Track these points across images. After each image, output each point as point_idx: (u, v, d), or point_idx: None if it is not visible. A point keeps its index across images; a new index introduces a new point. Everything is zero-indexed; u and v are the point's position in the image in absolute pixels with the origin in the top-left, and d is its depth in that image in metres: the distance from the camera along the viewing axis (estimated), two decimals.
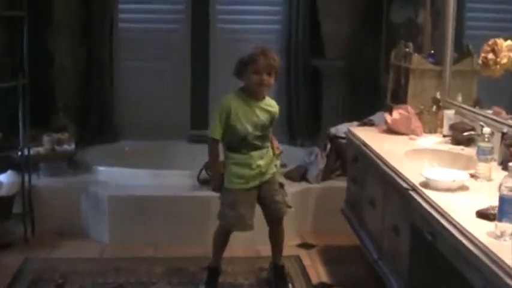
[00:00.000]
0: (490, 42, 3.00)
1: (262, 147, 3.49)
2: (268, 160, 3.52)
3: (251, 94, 3.46)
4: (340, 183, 4.35)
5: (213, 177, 3.65)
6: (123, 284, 3.66)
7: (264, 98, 3.50)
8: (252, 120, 3.43)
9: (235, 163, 3.47)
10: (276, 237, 3.70)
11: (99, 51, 5.35)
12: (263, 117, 3.46)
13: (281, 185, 3.62)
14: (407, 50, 4.21)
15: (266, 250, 3.79)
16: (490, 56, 2.95)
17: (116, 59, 5.48)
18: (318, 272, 3.92)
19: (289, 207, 3.64)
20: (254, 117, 3.43)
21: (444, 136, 3.67)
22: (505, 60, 2.97)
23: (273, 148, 3.59)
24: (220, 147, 3.54)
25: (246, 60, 3.41)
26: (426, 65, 4.10)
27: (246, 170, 3.46)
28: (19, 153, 4.30)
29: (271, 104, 3.54)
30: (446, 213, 2.36)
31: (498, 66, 2.95)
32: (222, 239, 3.62)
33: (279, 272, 3.69)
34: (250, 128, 3.42)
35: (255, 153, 3.46)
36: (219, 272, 3.66)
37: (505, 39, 3.11)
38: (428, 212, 2.48)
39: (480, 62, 3.05)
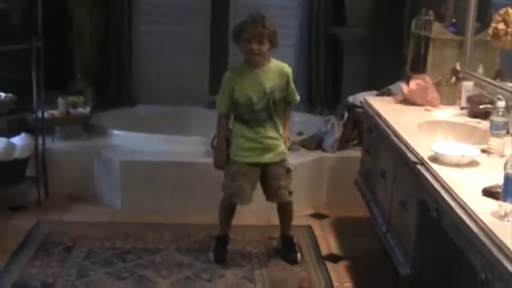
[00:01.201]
0: (502, 11, 2.86)
1: (271, 120, 3.42)
2: (277, 137, 3.46)
3: (250, 64, 3.41)
4: (357, 153, 4.27)
5: (218, 153, 3.57)
6: (130, 249, 3.66)
7: (268, 62, 3.42)
8: (257, 89, 3.37)
9: (241, 135, 3.43)
10: (283, 215, 3.67)
11: (118, 15, 5.31)
12: (270, 83, 3.39)
13: (288, 170, 3.55)
14: (428, 18, 4.07)
15: (276, 218, 3.75)
16: (501, 26, 2.82)
17: (134, 22, 5.43)
18: (329, 244, 3.88)
19: (291, 193, 3.56)
20: (259, 86, 3.37)
21: (461, 108, 3.56)
22: None
23: (284, 138, 3.54)
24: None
25: (237, 29, 3.37)
26: (447, 35, 3.98)
27: (251, 143, 3.42)
28: (33, 115, 4.29)
29: (277, 68, 3.45)
30: (451, 189, 2.29)
31: (509, 37, 2.81)
32: (226, 211, 3.60)
33: (287, 243, 3.66)
34: (255, 97, 3.36)
35: (262, 127, 3.41)
36: (228, 239, 3.64)
37: None
38: (434, 188, 2.41)
39: (490, 32, 2.92)
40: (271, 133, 3.45)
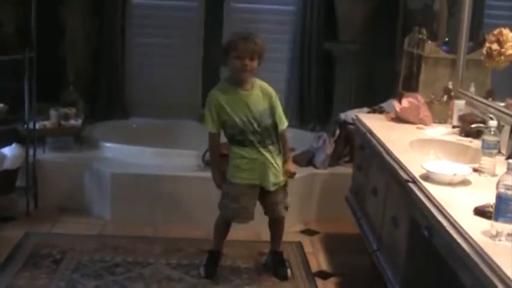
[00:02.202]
0: (496, 32, 2.89)
1: (265, 145, 3.40)
2: (272, 168, 3.42)
3: (237, 82, 3.39)
4: (348, 170, 4.26)
5: (213, 172, 3.55)
6: (120, 263, 3.64)
7: (252, 87, 3.40)
8: (244, 110, 3.36)
9: (239, 156, 3.42)
10: (275, 230, 3.67)
11: (111, 27, 5.31)
12: (257, 107, 3.37)
13: (285, 185, 3.54)
14: (420, 36, 4.09)
15: (267, 234, 3.74)
16: (495, 46, 2.84)
17: (127, 34, 5.43)
18: (319, 260, 3.87)
19: (287, 208, 3.56)
20: (246, 107, 3.36)
21: (453, 127, 3.58)
22: (510, 52, 2.85)
23: (284, 168, 3.51)
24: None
25: (227, 46, 3.36)
26: (439, 53, 3.99)
27: (250, 164, 3.40)
28: (25, 126, 4.28)
29: (263, 92, 3.42)
30: (443, 208, 2.29)
31: (502, 58, 2.83)
32: (223, 228, 3.59)
33: (277, 258, 3.65)
34: (244, 118, 3.35)
35: (256, 150, 3.39)
36: (220, 255, 3.63)
37: None
38: (426, 206, 2.41)
39: (484, 52, 2.93)
40: (266, 158, 3.41)
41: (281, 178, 3.49)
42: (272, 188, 3.45)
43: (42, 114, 4.55)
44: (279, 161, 3.48)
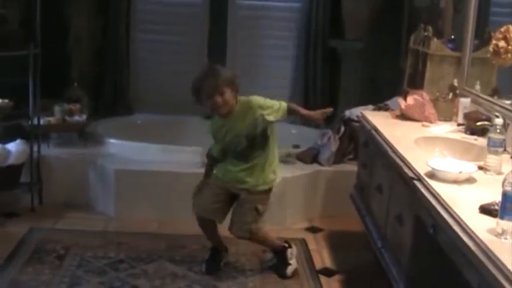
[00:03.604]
0: (503, 29, 2.87)
1: (253, 153, 3.42)
2: (256, 171, 3.44)
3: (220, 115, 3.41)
4: (352, 167, 4.26)
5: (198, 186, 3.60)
6: (124, 259, 3.64)
7: (232, 110, 3.35)
8: (231, 137, 3.41)
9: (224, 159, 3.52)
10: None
11: (116, 23, 5.31)
12: (243, 126, 3.35)
13: (257, 210, 3.45)
14: (426, 34, 4.08)
15: (271, 231, 3.74)
16: (502, 43, 2.82)
17: (132, 31, 5.43)
18: (323, 257, 3.86)
19: (250, 231, 3.46)
20: (232, 132, 3.39)
21: (458, 125, 3.56)
22: None
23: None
24: None
25: (194, 90, 3.35)
26: (445, 51, 3.97)
27: (229, 166, 3.48)
28: (29, 122, 4.28)
29: (244, 110, 3.35)
30: (448, 206, 2.27)
31: (509, 55, 2.81)
32: (201, 227, 3.59)
33: (278, 257, 3.64)
34: (232, 145, 3.41)
35: (242, 159, 3.44)
36: (219, 252, 3.62)
37: None
38: (431, 204, 2.39)
39: (491, 49, 2.92)
40: (254, 163, 3.43)
41: (253, 182, 3.45)
42: (246, 186, 3.43)
43: (46, 110, 4.56)
44: (267, 167, 3.46)
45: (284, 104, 3.42)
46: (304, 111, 3.58)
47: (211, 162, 3.60)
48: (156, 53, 5.50)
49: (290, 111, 3.45)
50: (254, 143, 3.40)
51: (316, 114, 3.54)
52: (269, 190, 3.51)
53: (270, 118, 3.36)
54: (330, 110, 3.55)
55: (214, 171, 3.54)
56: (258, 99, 3.39)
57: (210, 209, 3.49)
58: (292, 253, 3.62)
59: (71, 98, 4.94)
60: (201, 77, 3.34)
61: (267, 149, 3.44)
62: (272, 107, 3.37)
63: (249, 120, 3.36)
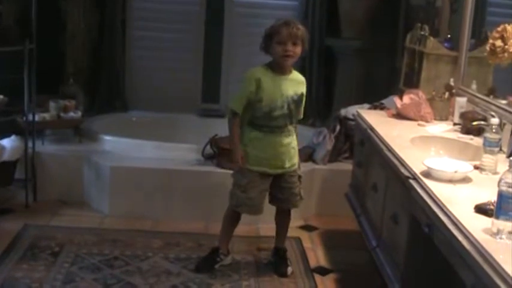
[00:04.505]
0: (500, 28, 2.87)
1: (286, 129, 3.41)
2: (291, 145, 3.45)
3: (278, 67, 3.38)
4: (348, 166, 4.26)
5: (234, 152, 3.44)
6: (118, 256, 3.63)
7: (291, 71, 3.42)
8: (280, 94, 3.35)
9: (254, 144, 3.41)
10: (283, 225, 3.66)
11: (112, 20, 5.30)
12: (291, 91, 3.39)
13: (299, 177, 3.56)
14: (422, 33, 4.08)
15: (266, 229, 3.74)
16: (498, 43, 2.82)
17: (128, 28, 5.42)
18: (317, 256, 3.86)
19: (302, 199, 3.59)
20: (282, 91, 3.36)
21: (454, 124, 3.56)
22: None
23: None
24: None
25: (270, 32, 3.34)
26: (441, 50, 3.98)
27: (264, 152, 3.40)
28: (24, 118, 4.26)
29: (298, 78, 3.46)
30: (444, 205, 2.28)
31: (506, 54, 2.81)
32: (230, 219, 3.57)
33: (280, 255, 3.64)
34: (278, 102, 3.35)
35: (276, 134, 3.39)
36: (218, 254, 3.58)
37: None
38: (426, 203, 2.39)
39: (488, 48, 2.92)
40: (286, 140, 3.43)
41: (295, 156, 3.51)
42: (287, 167, 3.45)
43: (41, 107, 4.53)
44: (295, 142, 3.49)
45: (300, 117, 3.53)
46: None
47: (236, 121, 3.41)
48: (152, 50, 5.48)
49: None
50: (291, 115, 3.41)
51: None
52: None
53: (301, 115, 3.50)
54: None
55: (251, 166, 3.41)
56: (305, 84, 3.51)
57: (261, 206, 3.49)
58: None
59: (66, 94, 4.93)
60: (281, 23, 3.33)
61: (294, 128, 3.49)
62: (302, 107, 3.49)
63: (299, 89, 3.42)
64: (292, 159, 3.50)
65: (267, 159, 3.42)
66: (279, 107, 3.35)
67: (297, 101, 3.42)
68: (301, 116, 3.54)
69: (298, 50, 3.34)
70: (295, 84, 3.43)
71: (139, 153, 4.43)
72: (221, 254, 3.58)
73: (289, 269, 3.58)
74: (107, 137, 4.65)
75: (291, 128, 3.45)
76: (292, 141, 3.47)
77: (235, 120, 3.41)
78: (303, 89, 3.46)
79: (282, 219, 3.65)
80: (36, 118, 4.37)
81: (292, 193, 3.53)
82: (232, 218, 3.57)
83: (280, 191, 3.52)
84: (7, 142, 4.24)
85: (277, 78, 3.37)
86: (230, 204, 3.52)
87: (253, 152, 3.42)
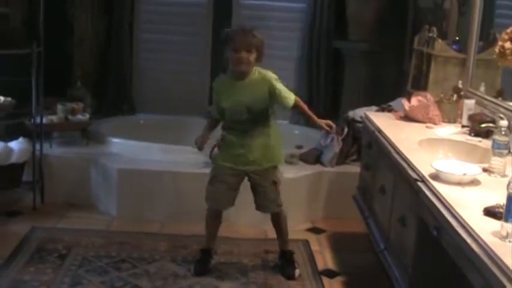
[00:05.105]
0: (509, 30, 2.85)
1: (254, 132, 3.40)
2: (260, 148, 3.42)
3: (234, 73, 3.38)
4: (355, 168, 4.24)
5: (199, 138, 3.58)
6: (125, 258, 3.63)
7: (249, 75, 3.37)
8: (236, 101, 3.36)
9: (228, 141, 3.46)
10: (276, 229, 3.64)
11: (120, 23, 5.32)
12: (248, 97, 3.35)
13: (274, 183, 3.51)
14: (430, 35, 4.06)
15: (273, 232, 3.71)
16: (508, 45, 2.80)
17: (135, 30, 5.43)
18: (325, 259, 3.85)
19: (280, 206, 3.54)
20: (238, 98, 3.36)
21: (463, 126, 3.54)
22: None
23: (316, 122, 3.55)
24: None
25: (225, 38, 3.35)
26: (449, 52, 3.97)
27: (236, 149, 3.42)
28: (32, 120, 4.27)
29: (258, 78, 3.38)
30: (452, 208, 2.26)
31: None
32: (209, 219, 3.58)
33: (286, 258, 3.63)
34: (236, 109, 3.36)
35: (247, 136, 3.40)
36: (210, 253, 3.60)
37: None
38: (435, 206, 2.38)
39: (496, 50, 2.90)
40: (257, 141, 3.41)
41: (273, 161, 3.47)
42: (258, 163, 3.43)
43: (49, 109, 4.55)
44: (272, 142, 3.46)
45: (294, 96, 3.46)
46: (310, 113, 3.57)
47: (212, 122, 3.59)
48: (159, 53, 5.49)
49: (296, 106, 3.48)
50: (256, 117, 3.39)
51: (321, 121, 3.56)
52: (276, 167, 3.53)
53: (292, 99, 3.42)
54: (332, 124, 3.59)
55: (220, 161, 3.49)
56: (274, 75, 3.43)
57: (224, 201, 3.50)
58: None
59: (73, 97, 4.94)
60: (236, 30, 3.36)
61: (268, 128, 3.45)
62: (284, 89, 3.43)
63: (262, 91, 3.37)
64: (267, 157, 3.46)
65: (236, 156, 3.43)
66: (238, 113, 3.36)
67: (263, 103, 3.38)
68: (292, 102, 3.43)
69: (253, 57, 3.31)
70: (255, 87, 3.37)
71: (147, 156, 4.43)
72: (213, 254, 3.59)
73: (297, 272, 3.57)
74: (114, 140, 4.66)
75: (262, 128, 3.42)
76: (266, 141, 3.44)
77: (209, 121, 3.61)
78: (268, 84, 3.37)
79: (274, 224, 3.63)
80: (44, 120, 4.38)
81: (267, 198, 3.50)
82: (212, 217, 3.56)
83: (257, 195, 3.50)
84: (15, 144, 4.25)
85: (235, 85, 3.38)
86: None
87: (225, 148, 3.49)
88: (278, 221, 3.60)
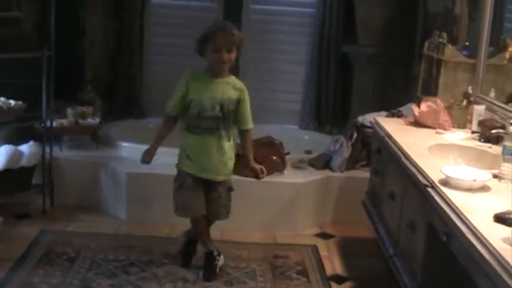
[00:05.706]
0: None
1: (218, 132, 3.36)
2: (225, 155, 3.40)
3: (213, 72, 3.36)
4: (364, 173, 4.24)
5: (147, 150, 3.56)
6: (134, 262, 3.63)
7: (227, 75, 3.39)
8: (210, 95, 3.33)
9: (191, 145, 3.42)
10: (208, 229, 3.61)
11: (130, 27, 5.32)
12: (223, 93, 3.33)
13: (229, 189, 3.51)
14: (440, 40, 4.06)
15: (283, 236, 3.74)
16: None
17: (146, 34, 5.44)
18: (334, 264, 3.84)
19: (228, 213, 3.53)
20: (213, 92, 3.33)
21: (472, 132, 3.54)
22: None
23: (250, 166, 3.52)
24: None
25: (205, 37, 3.32)
26: (459, 57, 3.96)
27: (199, 154, 3.39)
28: (42, 124, 4.29)
29: (235, 84, 3.40)
30: (462, 214, 2.25)
31: None
32: (194, 223, 3.55)
33: (209, 260, 3.56)
34: (206, 103, 3.31)
35: (209, 136, 3.36)
36: (195, 245, 3.64)
37: None
38: (445, 211, 2.37)
39: (507, 56, 2.89)
40: (219, 144, 3.38)
41: (228, 165, 3.45)
42: (221, 173, 3.41)
43: (59, 113, 4.57)
44: (230, 149, 3.43)
45: (252, 125, 3.46)
46: (249, 149, 3.53)
47: (168, 123, 3.54)
48: (169, 57, 5.49)
49: (246, 133, 3.48)
50: (225, 117, 3.36)
51: (253, 164, 3.53)
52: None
53: (249, 125, 3.43)
54: (260, 174, 3.54)
55: (185, 169, 3.44)
56: (244, 88, 3.41)
57: (196, 208, 3.45)
58: (221, 263, 3.59)
59: (84, 100, 4.96)
60: (216, 29, 3.32)
61: (231, 136, 3.43)
62: (249, 110, 3.43)
63: (234, 93, 3.36)
64: (226, 167, 3.44)
65: (199, 163, 3.40)
66: (209, 108, 3.32)
67: (232, 104, 3.36)
68: (247, 126, 3.45)
69: (233, 56, 3.32)
70: (230, 88, 3.37)
71: (156, 160, 4.40)
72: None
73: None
74: (124, 143, 4.67)
75: (224, 133, 3.39)
76: (227, 148, 3.40)
77: (165, 120, 3.52)
78: (241, 95, 3.38)
79: (208, 226, 3.59)
80: (54, 124, 4.40)
81: (219, 204, 3.48)
82: (196, 220, 3.53)
83: (210, 199, 3.47)
84: (25, 148, 4.27)
85: (210, 81, 3.36)
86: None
87: (189, 155, 3.43)
88: (211, 225, 3.60)
